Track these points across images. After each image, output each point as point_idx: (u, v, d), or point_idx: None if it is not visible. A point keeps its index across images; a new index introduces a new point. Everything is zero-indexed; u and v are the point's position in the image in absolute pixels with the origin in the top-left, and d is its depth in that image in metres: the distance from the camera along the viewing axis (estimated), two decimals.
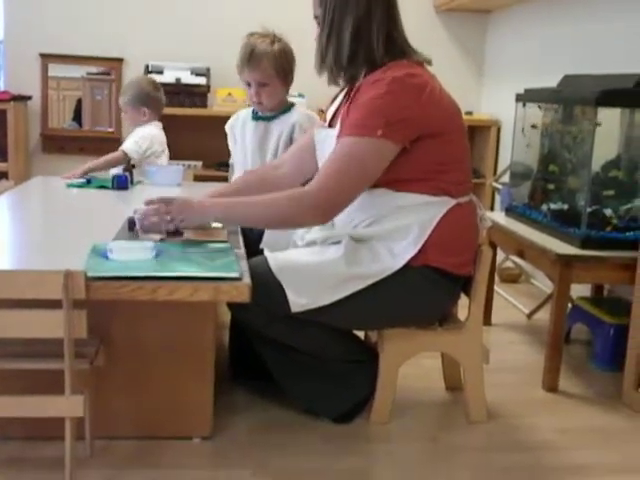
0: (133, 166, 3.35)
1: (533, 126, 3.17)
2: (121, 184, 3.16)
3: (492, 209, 4.53)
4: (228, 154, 3.03)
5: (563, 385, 2.65)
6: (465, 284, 2.25)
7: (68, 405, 1.72)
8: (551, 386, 2.62)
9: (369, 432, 2.25)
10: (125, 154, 3.48)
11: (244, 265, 1.90)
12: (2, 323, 1.68)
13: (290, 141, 2.69)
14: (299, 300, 2.07)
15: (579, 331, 3.17)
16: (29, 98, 4.64)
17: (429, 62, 2.20)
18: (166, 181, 3.35)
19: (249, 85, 2.70)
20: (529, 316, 3.51)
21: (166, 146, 3.69)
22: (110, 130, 4.78)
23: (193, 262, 1.86)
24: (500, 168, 4.54)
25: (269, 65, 2.65)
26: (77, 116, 4.86)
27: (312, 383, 2.27)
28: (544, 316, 3.38)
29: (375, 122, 2.00)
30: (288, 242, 2.33)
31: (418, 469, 2.06)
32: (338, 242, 2.16)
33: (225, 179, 3.50)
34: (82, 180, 3.22)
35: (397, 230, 2.11)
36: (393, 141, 2.02)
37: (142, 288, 1.73)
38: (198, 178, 4.24)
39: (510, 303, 3.70)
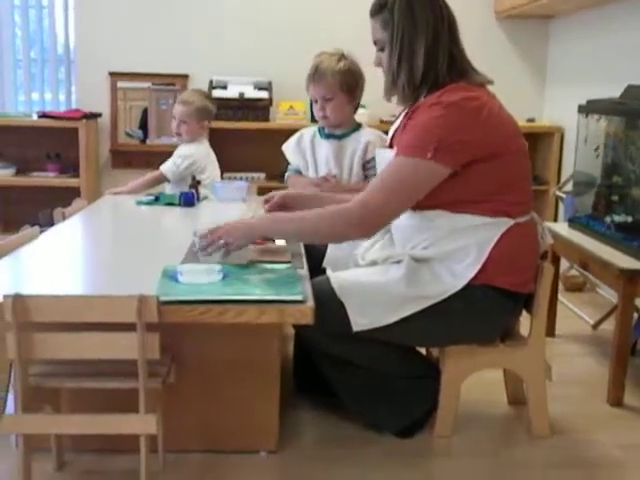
0: (199, 182, 3.45)
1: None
2: (188, 201, 3.25)
3: (556, 219, 4.50)
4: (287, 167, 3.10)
5: (628, 399, 2.64)
6: (527, 300, 2.27)
7: (142, 423, 1.81)
8: (616, 401, 2.61)
9: (432, 447, 2.29)
10: (162, 174, 3.60)
11: (307, 287, 1.95)
12: (80, 345, 1.77)
13: (364, 158, 2.77)
14: (361, 320, 2.12)
15: None
16: (99, 115, 4.81)
17: (490, 82, 2.22)
18: (231, 196, 3.44)
19: (316, 102, 2.78)
20: (594, 327, 3.48)
21: (213, 159, 3.73)
22: (174, 143, 4.90)
23: (259, 285, 1.93)
24: (564, 175, 4.50)
25: (333, 80, 2.74)
26: (143, 125, 5.01)
27: (374, 399, 2.31)
28: (610, 327, 3.34)
29: (426, 144, 2.03)
30: (349, 261, 2.38)
31: None
32: (399, 261, 2.21)
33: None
34: (151, 197, 3.33)
35: (456, 251, 2.13)
36: (442, 164, 2.04)
37: (211, 311, 1.80)
38: (262, 190, 4.32)
39: (575, 313, 3.67)
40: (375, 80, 2.70)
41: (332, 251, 2.50)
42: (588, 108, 3.15)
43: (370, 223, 2.10)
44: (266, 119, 4.68)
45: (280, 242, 2.44)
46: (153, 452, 1.98)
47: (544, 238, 2.29)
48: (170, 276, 1.97)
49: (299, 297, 1.84)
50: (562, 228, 3.22)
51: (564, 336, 3.34)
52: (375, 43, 2.25)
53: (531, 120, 4.74)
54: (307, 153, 2.91)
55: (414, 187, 2.08)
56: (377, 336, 2.15)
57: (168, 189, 3.69)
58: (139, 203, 3.28)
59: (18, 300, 1.71)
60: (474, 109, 2.07)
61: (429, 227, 2.16)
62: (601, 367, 2.96)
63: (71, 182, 4.58)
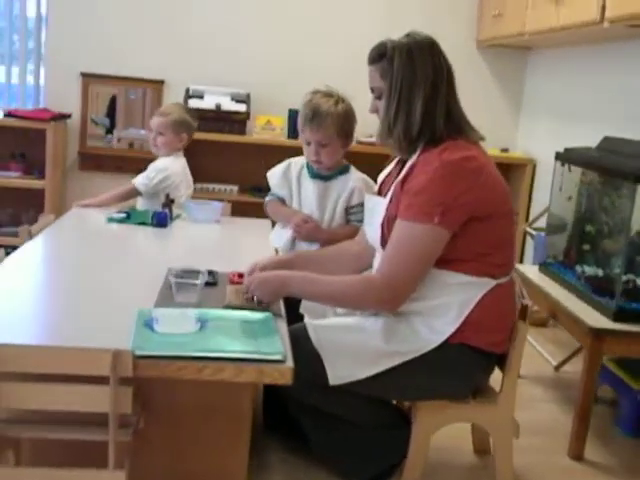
0: (172, 201, 3.39)
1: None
2: (161, 221, 3.20)
3: (522, 258, 4.52)
4: (263, 179, 3.04)
5: (589, 451, 2.67)
6: (500, 357, 2.27)
7: (111, 479, 1.77)
8: (576, 455, 2.65)
9: None
10: (134, 187, 3.53)
11: (286, 342, 1.92)
12: (48, 397, 1.72)
13: (348, 203, 2.75)
14: (337, 374, 2.12)
15: (606, 388, 3.17)
16: (68, 116, 4.70)
17: (482, 139, 2.20)
18: (205, 217, 3.39)
19: (308, 144, 2.71)
20: (557, 368, 3.52)
21: (188, 176, 3.69)
22: (147, 150, 4.83)
23: (237, 338, 1.89)
24: (533, 207, 4.54)
25: (332, 126, 2.67)
26: (111, 113, 4.89)
27: (344, 448, 2.31)
28: (572, 368, 3.40)
29: (432, 209, 2.01)
30: (326, 308, 2.36)
31: None
32: (377, 314, 2.20)
33: (260, 205, 3.43)
34: (122, 215, 3.26)
35: (437, 308, 2.13)
36: (447, 228, 2.04)
37: (188, 367, 1.75)
38: (234, 204, 4.28)
39: (538, 352, 3.70)
40: (354, 102, 2.69)
41: None
42: (565, 157, 3.17)
43: (398, 299, 2.10)
44: (242, 133, 4.62)
45: None
46: None
47: (521, 298, 2.30)
48: (145, 323, 1.92)
49: (279, 357, 1.81)
50: (532, 272, 3.24)
51: (528, 377, 3.37)
52: (372, 90, 2.21)
53: (505, 150, 4.77)
54: (293, 186, 2.84)
55: (429, 253, 2.06)
56: (351, 388, 2.15)
57: (139, 203, 3.62)
58: (110, 220, 3.20)
59: None
60: (473, 170, 2.06)
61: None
62: (564, 415, 3.00)
63: (36, 184, 4.46)
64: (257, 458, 2.38)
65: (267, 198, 2.97)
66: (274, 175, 2.91)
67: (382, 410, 2.32)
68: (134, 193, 3.57)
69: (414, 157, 2.16)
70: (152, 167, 3.57)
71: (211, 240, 3.15)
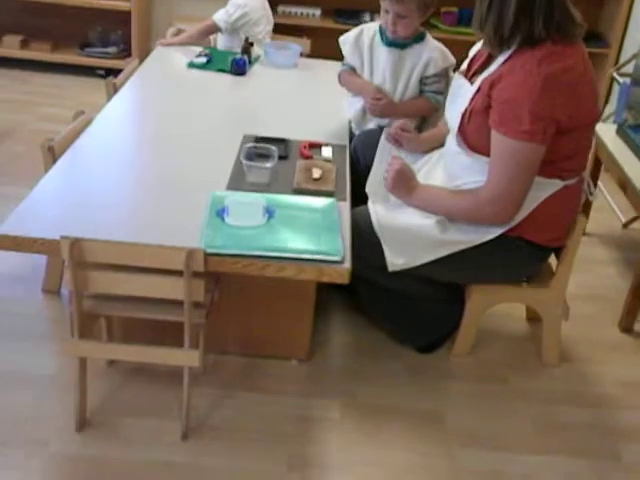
0: (251, 44, 3.40)
1: None
2: (239, 69, 3.25)
3: (606, 101, 4.36)
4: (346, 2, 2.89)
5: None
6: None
7: (187, 357, 2.01)
8: (627, 327, 2.75)
9: (449, 367, 2.49)
10: (215, 23, 3.54)
11: (347, 236, 2.04)
12: (131, 284, 1.93)
13: (423, 74, 2.70)
14: (397, 260, 2.25)
15: None
16: None
17: (583, 32, 2.10)
18: (283, 62, 3.43)
19: (387, 12, 2.62)
20: (625, 225, 3.54)
21: (267, 11, 3.67)
22: None
23: (301, 234, 2.02)
24: (627, 40, 4.30)
25: (414, 0, 2.55)
26: None
27: (400, 318, 2.50)
28: None
29: (534, 127, 2.00)
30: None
31: (483, 414, 2.30)
32: None
33: (341, 31, 3.32)
34: (202, 60, 3.31)
35: None
36: (545, 144, 2.04)
37: (253, 265, 1.92)
38: (316, 31, 4.24)
39: (608, 205, 3.66)
40: None
41: (374, 177, 2.51)
42: None
43: (508, 214, 2.16)
44: None
45: (327, 153, 2.50)
46: (196, 349, 2.10)
47: (588, 192, 2.33)
48: (217, 213, 2.07)
49: (337, 258, 1.94)
50: (609, 134, 3.16)
51: (594, 235, 3.40)
52: None
53: None
54: (364, 54, 2.75)
55: (532, 168, 2.09)
56: (409, 270, 2.28)
57: (220, 41, 3.65)
58: (190, 66, 3.28)
59: (75, 243, 1.84)
60: (572, 83, 2.02)
61: (482, 171, 2.15)
62: (621, 280, 3.07)
63: (122, 6, 4.48)
64: (320, 320, 2.56)
65: (340, 68, 2.91)
66: (346, 41, 2.81)
67: (437, 286, 2.45)
68: (214, 29, 3.59)
69: (508, 53, 2.09)
70: (231, 3, 3.56)
71: (288, 92, 3.19)
